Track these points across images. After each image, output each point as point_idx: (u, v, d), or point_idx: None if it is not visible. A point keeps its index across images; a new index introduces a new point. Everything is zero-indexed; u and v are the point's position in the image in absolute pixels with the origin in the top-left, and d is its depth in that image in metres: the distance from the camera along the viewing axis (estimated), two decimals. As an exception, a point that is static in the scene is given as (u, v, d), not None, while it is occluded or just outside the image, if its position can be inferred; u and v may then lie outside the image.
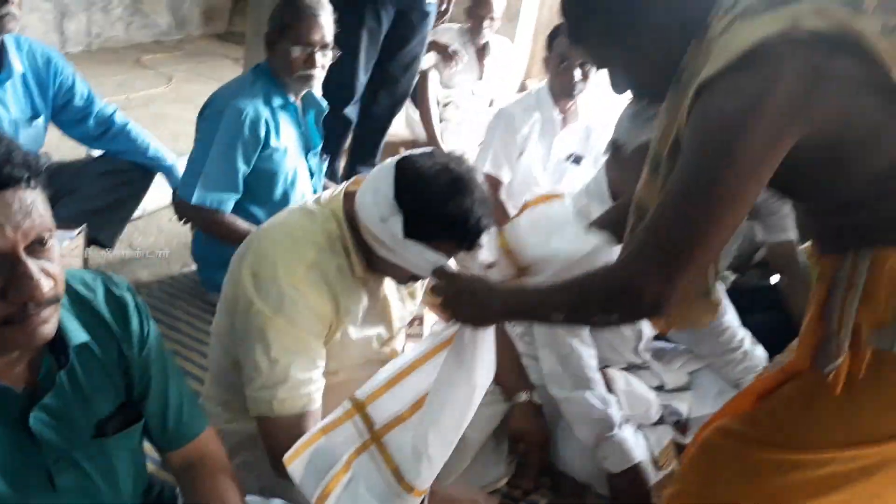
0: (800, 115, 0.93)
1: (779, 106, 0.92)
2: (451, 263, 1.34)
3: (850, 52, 0.91)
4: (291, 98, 2.29)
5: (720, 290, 1.22)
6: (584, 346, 1.78)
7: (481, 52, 3.88)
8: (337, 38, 2.27)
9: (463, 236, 1.32)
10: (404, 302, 1.62)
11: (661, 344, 2.09)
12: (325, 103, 2.41)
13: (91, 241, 2.32)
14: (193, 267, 2.55)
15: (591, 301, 1.10)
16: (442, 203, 1.29)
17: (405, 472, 1.33)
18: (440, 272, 1.31)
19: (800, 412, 1.10)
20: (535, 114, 2.72)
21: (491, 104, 4.01)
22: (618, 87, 1.17)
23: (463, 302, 1.28)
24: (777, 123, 0.93)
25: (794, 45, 0.91)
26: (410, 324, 2.21)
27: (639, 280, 1.01)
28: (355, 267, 1.43)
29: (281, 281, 1.33)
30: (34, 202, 0.85)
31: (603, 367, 1.87)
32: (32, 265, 0.84)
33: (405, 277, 1.43)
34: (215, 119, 2.18)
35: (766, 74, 0.92)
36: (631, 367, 1.97)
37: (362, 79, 3.05)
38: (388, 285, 1.55)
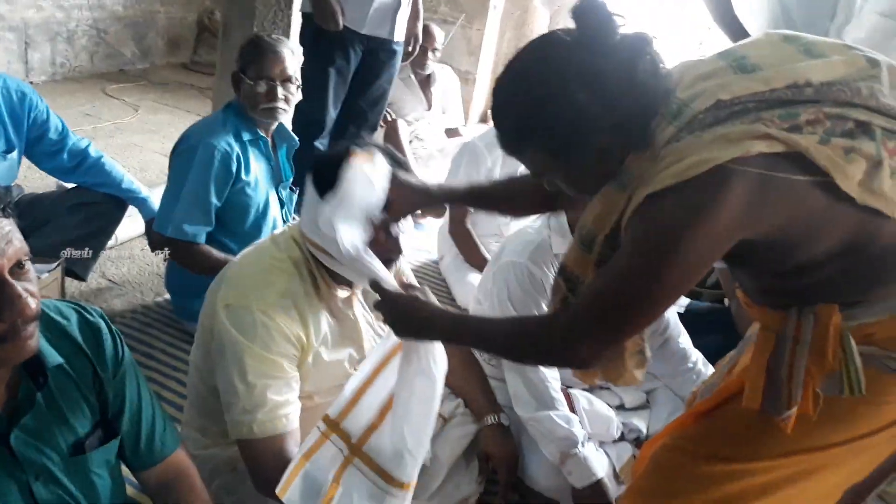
0: (744, 224, 1.01)
1: (725, 219, 0.99)
2: (389, 277, 1.40)
3: (793, 165, 0.99)
4: (261, 133, 2.38)
5: (649, 351, 1.34)
6: (547, 370, 1.87)
7: (426, 82, 4.02)
8: (307, 75, 2.37)
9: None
10: (375, 324, 1.68)
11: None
12: (296, 138, 2.50)
13: (66, 272, 2.35)
14: (167, 296, 2.60)
15: (526, 353, 1.21)
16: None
17: (391, 470, 1.40)
18: (375, 286, 1.37)
19: (742, 430, 1.19)
20: (498, 148, 2.82)
21: (452, 133, 4.15)
22: (552, 187, 1.21)
23: (402, 324, 1.32)
24: (722, 235, 1.01)
25: (744, 164, 0.97)
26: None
27: (572, 348, 1.10)
28: (322, 288, 1.51)
29: (254, 309, 1.40)
30: (11, 229, 0.94)
31: (566, 388, 1.96)
32: (18, 285, 0.93)
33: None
34: (189, 155, 2.25)
35: (716, 192, 0.98)
36: (592, 388, 2.07)
37: (332, 114, 3.15)
38: (358, 308, 1.62)
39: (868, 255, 1.06)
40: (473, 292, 2.35)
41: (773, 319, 1.16)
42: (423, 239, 3.47)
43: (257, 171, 2.37)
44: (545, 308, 1.92)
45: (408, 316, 1.31)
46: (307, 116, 2.86)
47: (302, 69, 2.37)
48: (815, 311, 1.09)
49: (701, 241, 1.00)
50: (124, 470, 1.23)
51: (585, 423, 1.89)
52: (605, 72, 1.04)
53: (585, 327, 1.09)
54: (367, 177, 1.42)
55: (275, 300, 1.43)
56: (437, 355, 1.41)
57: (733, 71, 1.07)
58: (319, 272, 1.51)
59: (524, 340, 1.18)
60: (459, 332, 1.28)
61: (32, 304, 0.94)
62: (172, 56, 5.87)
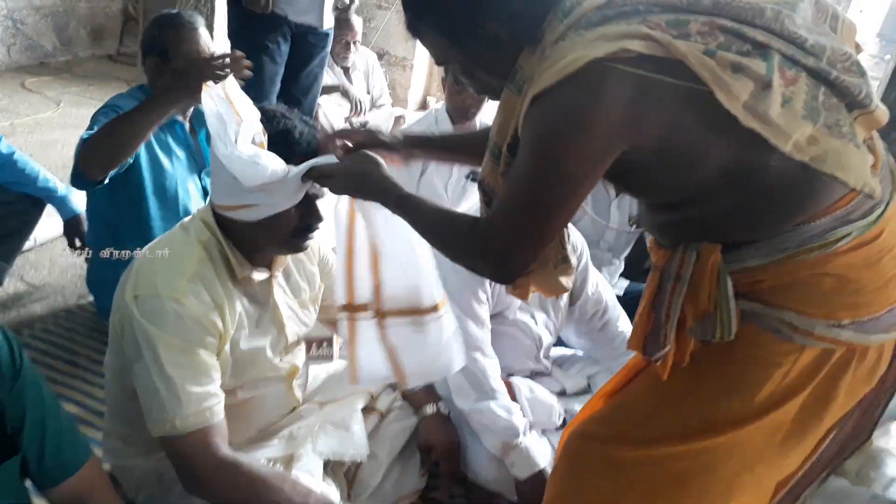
0: (624, 130, 1.00)
1: (603, 121, 0.98)
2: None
3: (674, 72, 0.96)
4: (178, 117, 2.25)
5: (574, 258, 1.34)
6: (487, 358, 1.84)
7: (346, 73, 4.06)
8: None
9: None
10: (299, 311, 1.64)
11: (560, 351, 2.18)
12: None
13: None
14: (90, 298, 2.47)
15: (456, 255, 1.21)
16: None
17: (417, 304, 1.45)
18: (315, 171, 1.34)
19: (646, 406, 1.19)
20: (435, 133, 2.78)
21: (397, 121, 4.13)
22: (456, 82, 1.24)
23: (357, 181, 1.31)
24: (601, 137, 1.00)
25: (622, 63, 0.96)
26: (319, 345, 2.22)
27: (493, 255, 1.12)
28: (236, 269, 1.45)
29: (163, 297, 1.34)
30: None
31: (507, 377, 1.93)
32: None
33: (286, 236, 1.45)
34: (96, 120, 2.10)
35: (593, 91, 0.97)
36: (534, 375, 2.05)
37: (271, 101, 3.04)
38: (279, 292, 1.57)
39: (752, 189, 1.02)
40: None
41: (662, 257, 1.14)
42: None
43: (176, 157, 2.25)
44: (483, 297, 1.88)
45: (364, 172, 1.30)
46: None
47: None
48: (699, 248, 1.07)
49: (583, 139, 1.00)
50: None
51: (527, 411, 1.87)
52: None
53: (499, 237, 1.10)
54: (216, 93, 1.39)
55: (185, 286, 1.36)
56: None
57: None
58: (233, 253, 1.45)
59: (451, 236, 1.19)
60: (404, 201, 1.26)
61: None
62: (97, 48, 5.64)
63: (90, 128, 2.13)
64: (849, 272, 1.03)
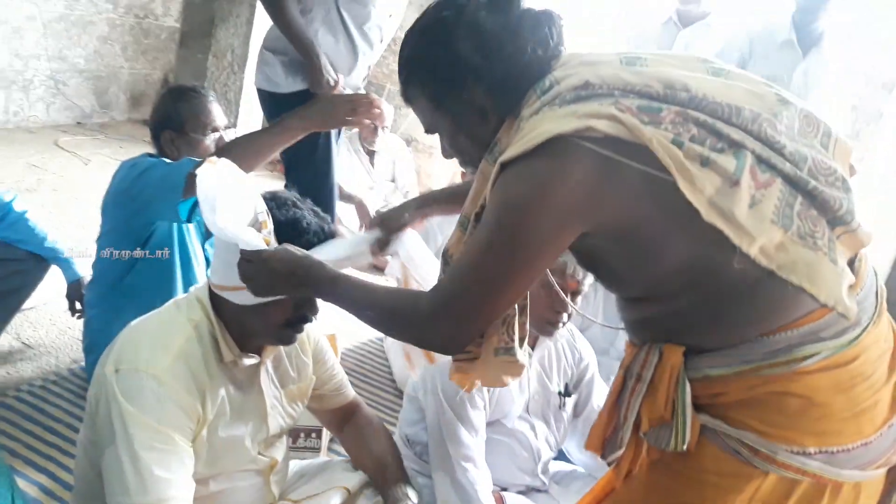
0: (583, 207, 0.98)
1: (563, 195, 0.97)
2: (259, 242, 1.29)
3: (639, 156, 0.95)
4: None
5: (527, 358, 1.30)
6: (478, 470, 1.73)
7: (372, 156, 4.12)
8: (295, 149, 2.15)
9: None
10: (286, 403, 1.56)
11: (560, 466, 2.06)
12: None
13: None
14: (83, 363, 2.41)
15: (395, 325, 1.19)
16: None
17: None
18: (245, 253, 1.26)
19: None
20: (448, 225, 2.76)
21: (406, 195, 4.26)
22: (444, 152, 1.26)
23: (279, 277, 1.23)
24: (560, 212, 0.98)
25: (587, 141, 0.96)
26: (307, 435, 2.13)
27: (436, 316, 1.09)
28: (224, 351, 1.39)
29: (143, 373, 1.27)
30: None
31: (499, 492, 1.82)
32: None
33: (278, 325, 1.39)
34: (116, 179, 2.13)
35: (556, 165, 0.97)
36: (529, 491, 1.93)
37: (332, 182, 2.90)
38: (265, 380, 1.50)
39: (714, 290, 0.98)
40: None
41: (630, 355, 1.10)
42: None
43: (187, 227, 2.22)
44: (479, 403, 1.80)
45: (286, 268, 1.23)
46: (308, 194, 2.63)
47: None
48: (661, 348, 1.04)
49: (542, 214, 0.99)
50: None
51: (518, 530, 1.75)
52: (493, 30, 1.10)
53: (445, 303, 1.08)
54: (215, 173, 1.34)
55: (169, 364, 1.30)
56: None
57: (618, 63, 1.06)
58: (223, 335, 1.39)
59: (395, 313, 1.16)
60: (338, 288, 1.22)
61: None
62: (135, 112, 5.77)
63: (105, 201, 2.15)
64: (815, 395, 0.97)
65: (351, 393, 1.73)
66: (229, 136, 2.22)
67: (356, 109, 1.89)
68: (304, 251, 1.28)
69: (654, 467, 1.08)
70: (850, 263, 1.03)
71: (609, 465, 1.10)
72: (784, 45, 3.11)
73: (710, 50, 3.43)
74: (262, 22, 2.78)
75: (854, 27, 3.33)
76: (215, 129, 2.17)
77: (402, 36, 1.22)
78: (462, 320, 1.08)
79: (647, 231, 0.98)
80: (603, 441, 1.12)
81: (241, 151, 1.91)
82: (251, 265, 1.25)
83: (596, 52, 1.13)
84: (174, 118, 2.15)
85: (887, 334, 1.04)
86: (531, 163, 0.99)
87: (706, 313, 1.00)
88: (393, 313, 1.17)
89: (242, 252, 1.27)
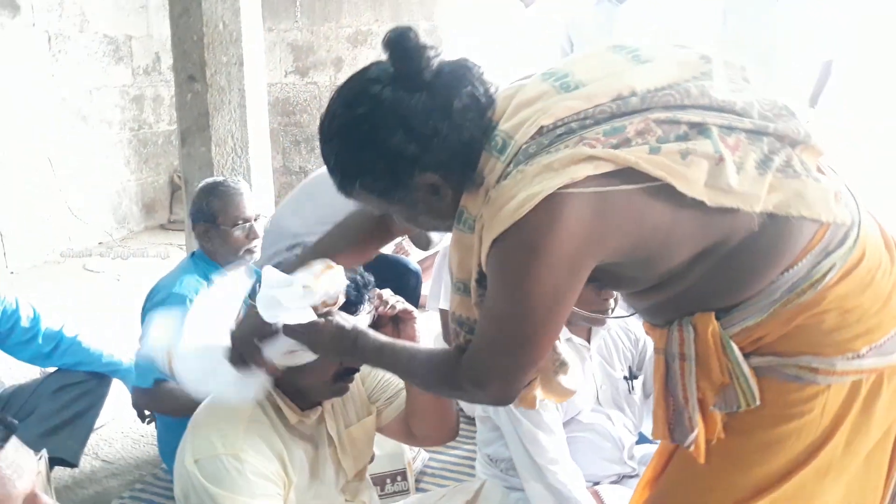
0: (590, 248, 0.99)
1: (567, 246, 0.97)
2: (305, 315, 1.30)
3: (628, 178, 0.96)
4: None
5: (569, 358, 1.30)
6: (567, 470, 1.75)
7: None
8: None
9: None
10: (354, 442, 1.59)
11: (645, 449, 2.07)
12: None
13: (55, 461, 2.24)
14: (164, 466, 2.47)
15: (443, 391, 1.26)
16: None
17: None
18: (294, 327, 1.26)
19: (688, 490, 1.14)
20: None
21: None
22: (401, 227, 1.24)
23: (330, 349, 1.28)
24: (567, 264, 0.98)
25: (574, 188, 0.94)
26: (393, 480, 2.16)
27: (483, 389, 1.11)
28: (287, 415, 1.44)
29: (222, 456, 1.32)
30: (16, 459, 0.90)
31: (592, 486, 1.83)
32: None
33: (329, 380, 1.42)
34: (159, 310, 2.18)
35: (551, 223, 0.95)
36: (621, 479, 1.94)
37: None
38: (331, 425, 1.54)
39: (727, 252, 1.01)
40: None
41: (660, 339, 1.11)
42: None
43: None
44: (551, 406, 1.82)
45: (336, 341, 1.26)
46: None
47: None
48: (692, 322, 1.05)
49: (551, 270, 0.98)
50: None
51: (620, 520, 1.75)
52: (418, 110, 1.01)
53: (485, 370, 1.09)
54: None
55: (243, 440, 1.35)
56: None
57: (556, 91, 1.03)
58: (282, 399, 1.44)
59: (439, 379, 1.19)
60: (384, 357, 1.26)
61: None
62: (150, 219, 5.94)
63: (148, 304, 2.26)
64: (845, 302, 1.02)
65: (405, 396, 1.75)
66: (261, 224, 2.32)
67: None
68: (352, 322, 1.30)
69: (727, 425, 1.08)
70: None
71: (687, 447, 1.09)
72: None
73: (653, 22, 3.41)
74: (254, 102, 2.88)
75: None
76: (246, 220, 2.27)
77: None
78: (506, 380, 1.10)
79: (656, 240, 1.01)
80: (668, 427, 1.12)
81: None
82: (303, 336, 1.28)
83: (516, 80, 1.12)
84: (206, 212, 2.28)
85: (872, 222, 1.09)
86: (525, 228, 0.96)
87: (725, 277, 1.03)
88: (439, 382, 1.20)
89: (293, 328, 1.28)
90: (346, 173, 1.10)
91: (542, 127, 1.00)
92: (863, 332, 1.02)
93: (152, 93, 5.87)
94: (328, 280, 1.30)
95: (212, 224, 2.25)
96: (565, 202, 0.95)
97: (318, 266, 1.31)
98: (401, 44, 1.02)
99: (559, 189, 0.94)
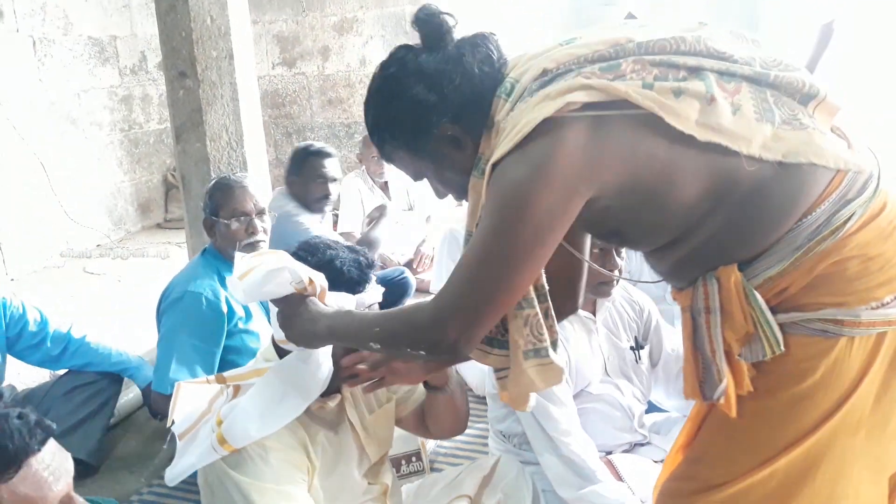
0: (584, 173, 1.03)
1: (563, 168, 1.02)
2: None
3: (622, 107, 1.02)
4: None
5: (557, 358, 1.23)
6: (579, 440, 1.78)
7: (385, 186, 4.20)
8: None
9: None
10: (375, 427, 1.62)
11: (655, 416, 2.10)
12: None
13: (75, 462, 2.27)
14: (180, 461, 2.49)
15: (400, 337, 1.18)
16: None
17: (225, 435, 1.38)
18: (278, 300, 1.34)
19: (720, 450, 1.16)
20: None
21: (427, 219, 4.32)
22: (438, 194, 1.30)
23: (294, 323, 1.32)
24: (563, 184, 1.03)
25: (568, 116, 1.02)
26: (408, 461, 2.19)
27: (440, 323, 1.10)
28: (311, 405, 1.45)
29: (247, 446, 1.36)
30: (52, 463, 0.99)
31: (605, 455, 1.86)
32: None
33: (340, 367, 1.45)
34: (176, 308, 2.22)
35: (548, 143, 1.02)
36: (633, 447, 1.97)
37: None
38: (353, 414, 1.57)
39: (740, 200, 1.04)
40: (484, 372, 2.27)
41: (686, 298, 1.14)
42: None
43: (249, 306, 2.34)
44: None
45: (299, 313, 1.31)
46: None
47: None
48: (716, 275, 1.08)
49: (545, 193, 1.02)
50: None
51: (634, 487, 1.78)
52: (437, 68, 1.15)
53: (450, 303, 1.10)
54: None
55: None
56: (308, 381, 1.41)
57: (560, 46, 1.12)
58: None
59: (402, 323, 1.18)
60: (344, 324, 1.27)
61: None
62: (146, 219, 5.94)
63: (164, 303, 2.32)
64: (867, 249, 1.03)
65: (423, 390, 1.77)
66: (265, 221, 2.36)
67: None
68: (325, 306, 1.33)
69: (755, 384, 1.10)
70: (834, 132, 1.09)
71: (716, 401, 1.11)
72: None
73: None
74: (246, 96, 2.88)
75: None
76: (244, 214, 2.30)
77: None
78: (468, 318, 1.09)
79: (652, 173, 1.04)
80: (699, 385, 1.14)
81: None
82: (285, 318, 1.33)
83: (536, 45, 1.20)
84: (210, 206, 2.33)
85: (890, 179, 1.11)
86: (523, 150, 1.04)
87: (741, 226, 1.05)
88: (397, 325, 1.18)
89: (273, 303, 1.35)
90: (379, 127, 1.22)
91: (544, 69, 1.09)
92: (885, 281, 1.04)
93: (140, 92, 5.85)
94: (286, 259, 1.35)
95: (215, 218, 2.30)
96: (562, 125, 1.02)
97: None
98: (425, 18, 1.17)
99: (556, 114, 1.01)
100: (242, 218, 2.29)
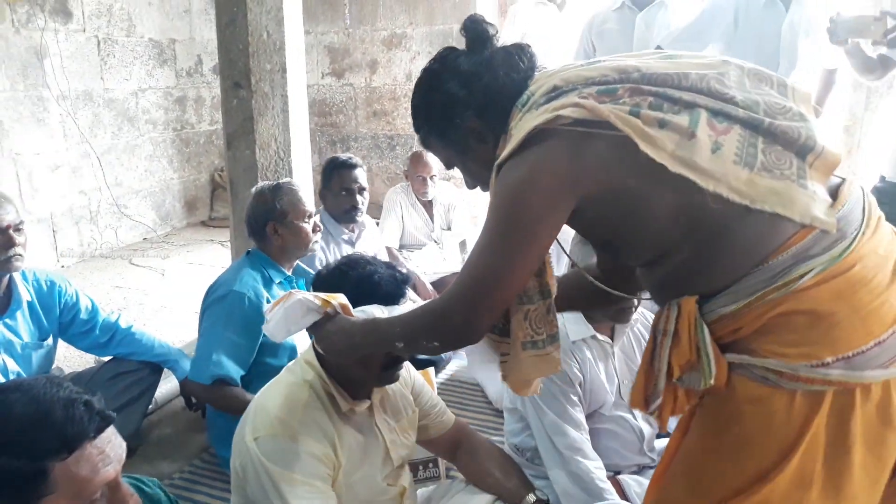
0: (567, 182, 1.15)
1: (549, 175, 1.15)
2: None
3: (604, 128, 1.11)
4: (287, 272, 2.53)
5: (554, 350, 1.36)
6: (590, 460, 1.86)
7: (429, 205, 4.28)
8: None
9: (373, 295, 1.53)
10: (400, 434, 1.72)
11: (665, 440, 2.17)
12: (312, 273, 2.61)
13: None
14: (212, 450, 2.63)
15: (418, 330, 1.30)
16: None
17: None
18: (313, 328, 1.45)
19: (683, 484, 1.22)
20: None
21: (462, 245, 4.35)
22: (467, 183, 1.43)
23: (334, 342, 1.43)
24: (549, 189, 1.15)
25: (559, 129, 1.14)
26: (425, 467, 2.28)
27: (449, 310, 1.24)
28: (340, 403, 1.57)
29: (279, 436, 1.47)
30: (113, 439, 1.07)
31: (613, 475, 1.94)
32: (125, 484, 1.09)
33: (377, 369, 1.55)
34: (220, 305, 2.37)
35: (537, 152, 1.16)
36: (641, 469, 2.04)
37: None
38: (381, 419, 1.67)
39: (706, 236, 1.10)
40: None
41: (657, 317, 1.22)
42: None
43: None
44: (575, 399, 1.92)
45: (333, 335, 1.43)
46: None
47: None
48: (679, 302, 1.15)
49: (533, 192, 1.15)
50: None
51: (639, 507, 1.86)
52: (471, 68, 1.30)
53: (455, 292, 1.22)
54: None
55: (299, 423, 1.50)
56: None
57: (580, 65, 1.25)
58: (336, 389, 1.57)
59: (418, 316, 1.30)
60: (372, 330, 1.39)
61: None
62: (191, 216, 6.14)
63: (209, 298, 2.46)
64: (819, 306, 1.04)
65: (452, 417, 1.89)
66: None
67: None
68: (354, 319, 1.45)
69: (700, 412, 1.19)
70: (837, 188, 1.13)
71: (651, 414, 1.22)
72: (767, 3, 3.17)
73: (669, 27, 3.43)
74: (296, 107, 3.03)
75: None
76: (310, 215, 2.49)
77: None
78: (475, 303, 1.21)
79: (629, 190, 1.13)
80: (645, 397, 1.23)
81: None
82: (324, 341, 1.45)
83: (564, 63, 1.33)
84: (275, 211, 2.46)
85: (889, 242, 1.12)
86: (520, 155, 1.17)
87: (705, 258, 1.12)
88: (415, 323, 1.30)
89: (308, 332, 1.48)
90: (419, 116, 1.38)
91: (555, 86, 1.21)
92: (831, 341, 1.04)
93: (194, 94, 6.07)
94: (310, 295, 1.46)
95: (281, 222, 2.44)
96: (553, 136, 1.15)
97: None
98: (471, 25, 1.33)
99: (547, 125, 1.14)
100: (310, 219, 2.48)
